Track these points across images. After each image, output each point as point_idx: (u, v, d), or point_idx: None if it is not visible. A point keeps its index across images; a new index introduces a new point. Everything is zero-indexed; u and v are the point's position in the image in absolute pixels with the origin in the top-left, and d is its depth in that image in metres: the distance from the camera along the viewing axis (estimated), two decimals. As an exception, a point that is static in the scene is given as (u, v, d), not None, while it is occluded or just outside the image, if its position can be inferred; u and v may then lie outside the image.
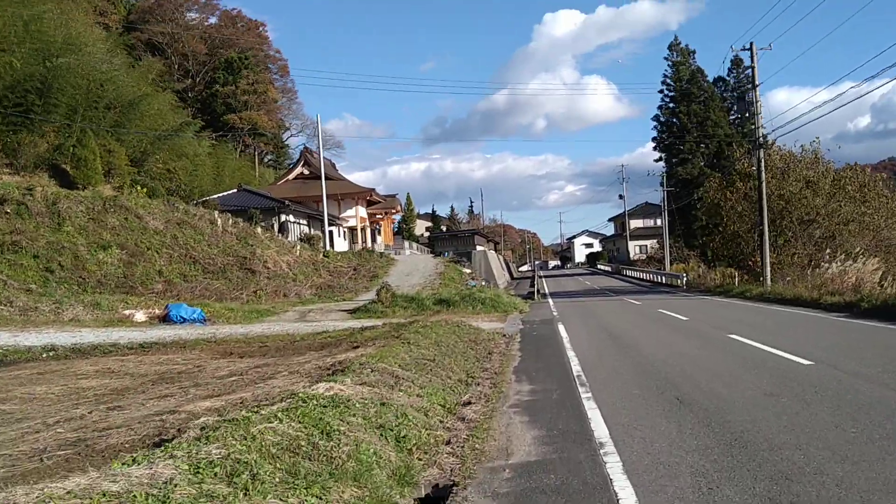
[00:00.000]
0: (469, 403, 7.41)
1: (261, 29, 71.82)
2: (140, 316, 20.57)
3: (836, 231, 30.19)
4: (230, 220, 32.18)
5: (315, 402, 5.55)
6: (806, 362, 9.18)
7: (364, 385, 6.62)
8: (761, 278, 27.51)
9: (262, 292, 27.04)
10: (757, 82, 27.45)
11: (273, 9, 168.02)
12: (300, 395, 5.82)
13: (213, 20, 68.03)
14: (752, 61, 27.29)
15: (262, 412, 5.03)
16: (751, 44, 27.28)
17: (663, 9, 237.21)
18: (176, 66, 62.07)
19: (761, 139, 27.58)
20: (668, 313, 19.92)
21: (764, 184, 27.53)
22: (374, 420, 5.55)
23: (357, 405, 5.77)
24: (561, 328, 16.53)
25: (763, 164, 27.69)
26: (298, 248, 34.45)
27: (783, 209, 30.59)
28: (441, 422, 6.45)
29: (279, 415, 4.95)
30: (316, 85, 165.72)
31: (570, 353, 11.54)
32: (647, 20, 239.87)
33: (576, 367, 9.96)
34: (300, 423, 4.92)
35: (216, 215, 31.81)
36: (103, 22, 51.86)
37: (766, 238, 27.61)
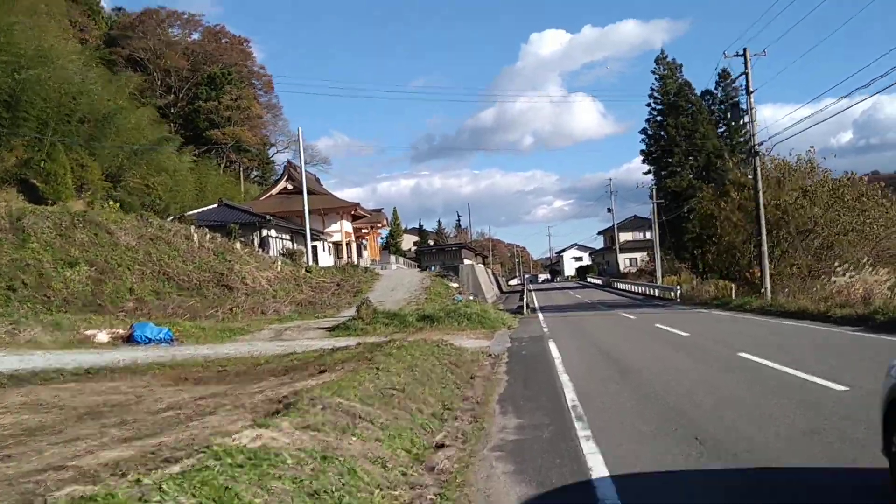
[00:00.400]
0: (443, 446, 6.09)
1: (244, 45, 70.49)
2: (102, 336, 19.11)
3: (834, 241, 29.12)
4: (207, 236, 30.74)
5: (230, 461, 4.20)
6: (838, 387, 7.90)
7: (307, 429, 5.28)
8: (761, 290, 26.33)
9: (239, 310, 25.63)
10: (751, 88, 26.51)
11: (259, 29, 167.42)
12: (214, 448, 4.47)
13: (196, 36, 66.73)
14: (746, 67, 26.38)
15: (146, 480, 3.68)
16: (744, 49, 26.47)
17: (647, 28, 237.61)
18: (158, 82, 60.68)
19: (757, 146, 26.56)
20: (666, 328, 18.69)
21: (761, 193, 26.47)
22: (307, 483, 4.20)
23: (289, 461, 4.42)
24: (552, 346, 15.23)
25: (759, 172, 26.69)
26: (279, 263, 33.03)
27: (780, 219, 29.48)
28: (404, 474, 5.12)
29: (166, 484, 3.60)
30: (303, 93, 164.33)
31: (564, 378, 10.24)
32: (631, 40, 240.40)
33: (570, 395, 8.66)
34: (195, 496, 3.58)
35: (192, 230, 30.39)
36: (82, 38, 50.45)
37: (765, 248, 26.52)
